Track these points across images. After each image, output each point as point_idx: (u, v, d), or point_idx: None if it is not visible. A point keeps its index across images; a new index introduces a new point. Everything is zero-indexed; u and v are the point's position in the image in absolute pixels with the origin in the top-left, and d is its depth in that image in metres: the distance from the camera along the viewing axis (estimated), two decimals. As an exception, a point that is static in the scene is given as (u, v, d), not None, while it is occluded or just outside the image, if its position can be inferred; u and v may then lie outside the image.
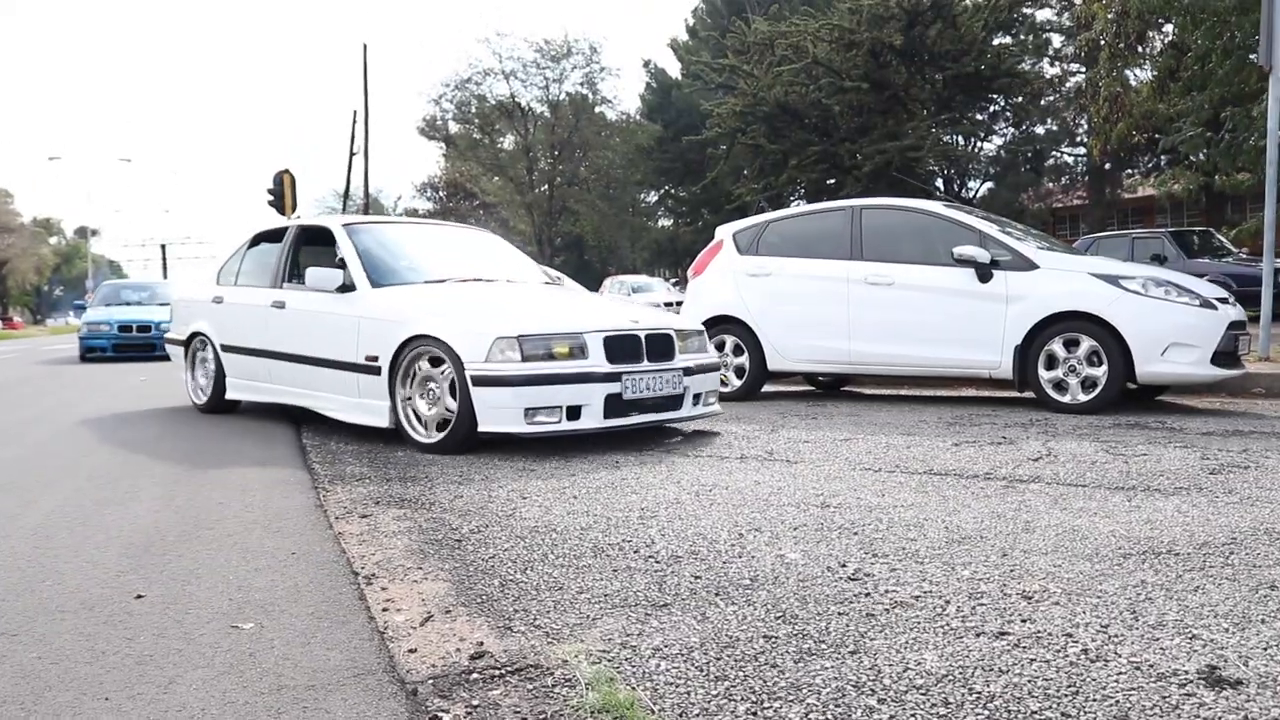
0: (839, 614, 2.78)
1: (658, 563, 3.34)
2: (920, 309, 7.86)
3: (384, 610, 2.90)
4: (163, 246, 70.15)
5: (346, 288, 6.75)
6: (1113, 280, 7.19)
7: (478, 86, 51.17)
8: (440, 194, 62.33)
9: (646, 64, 51.47)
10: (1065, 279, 7.34)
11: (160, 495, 4.73)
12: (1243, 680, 2.27)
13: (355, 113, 26.71)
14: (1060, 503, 4.22)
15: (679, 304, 29.40)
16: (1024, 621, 2.70)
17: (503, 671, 2.41)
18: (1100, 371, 7.13)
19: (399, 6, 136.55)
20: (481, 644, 2.59)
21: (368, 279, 6.74)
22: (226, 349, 8.05)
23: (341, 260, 6.97)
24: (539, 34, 77.34)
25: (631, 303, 16.75)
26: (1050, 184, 38.02)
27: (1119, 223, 35.34)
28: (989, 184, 36.09)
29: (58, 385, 12.06)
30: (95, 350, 17.54)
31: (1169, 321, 7.02)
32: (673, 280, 40.22)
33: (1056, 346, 7.29)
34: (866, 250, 8.24)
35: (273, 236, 8.07)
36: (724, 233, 9.31)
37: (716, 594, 2.98)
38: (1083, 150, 36.89)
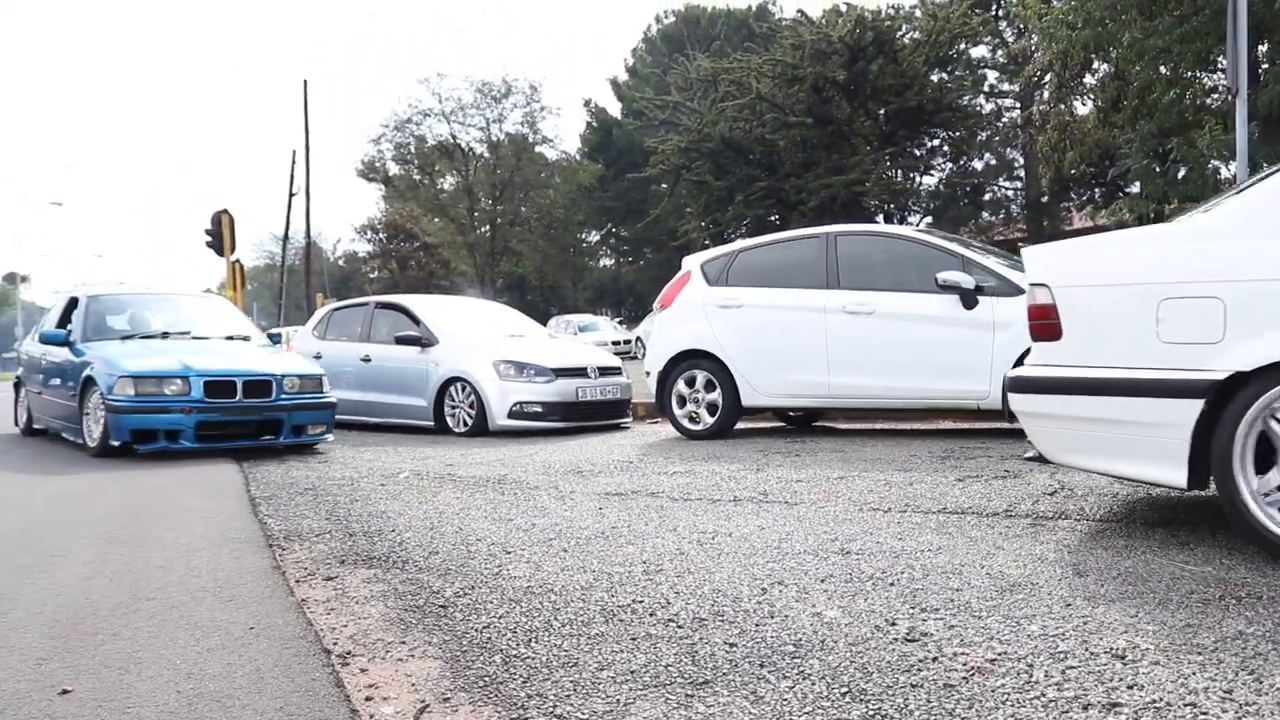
0: (912, 685, 2.35)
1: (680, 628, 2.89)
2: (903, 338, 7.51)
3: (368, 700, 2.41)
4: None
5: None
6: (1104, 304, 6.88)
7: (417, 127, 50.63)
8: (380, 235, 61.46)
9: (587, 103, 51.36)
10: (1054, 304, 7.02)
11: (91, 559, 4.16)
12: None
13: (294, 152, 26.14)
14: (1100, 540, 3.84)
15: (625, 342, 29.16)
16: (1130, 688, 2.29)
17: (528, 779, 1.94)
18: (1095, 399, 6.80)
19: (338, 47, 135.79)
20: (494, 741, 2.12)
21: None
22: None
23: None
24: (478, 74, 77.03)
25: (578, 342, 16.31)
26: (989, 217, 38.30)
27: (1056, 255, 35.49)
28: (928, 218, 36.27)
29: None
30: (151, 433, 7.95)
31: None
32: (618, 319, 39.84)
33: (1048, 374, 6.95)
34: (843, 278, 7.88)
35: None
36: (692, 263, 8.92)
37: (761, 665, 2.53)
38: (1020, 184, 37.31)
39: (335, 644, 2.86)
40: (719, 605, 3.09)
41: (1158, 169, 17.47)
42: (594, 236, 55.36)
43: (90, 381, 8.22)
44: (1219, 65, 17.73)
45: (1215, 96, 18.06)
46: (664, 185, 37.12)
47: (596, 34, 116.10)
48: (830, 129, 28.54)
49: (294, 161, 26.73)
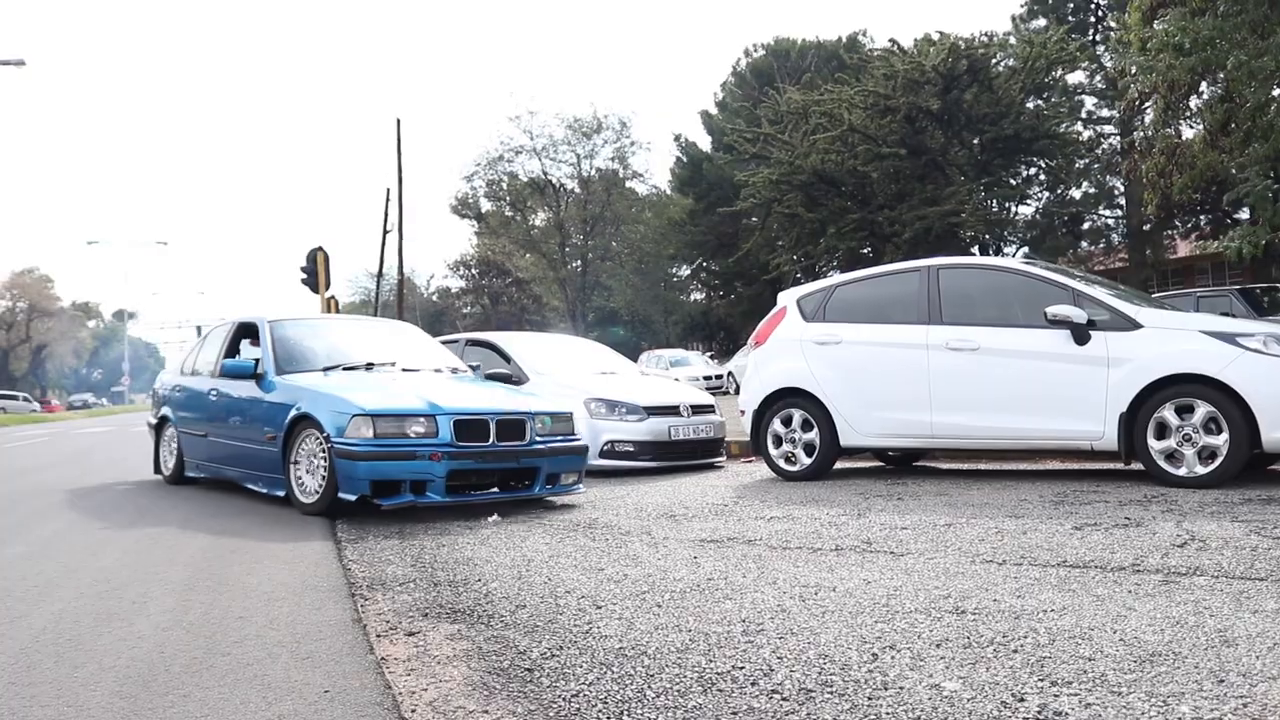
0: (1052, 780, 2.08)
1: (785, 700, 2.64)
2: (1010, 376, 7.16)
3: (446, 781, 2.21)
4: (198, 328, 70.31)
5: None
6: (1229, 338, 6.47)
7: (509, 164, 51.33)
8: (473, 271, 62.26)
9: (677, 138, 51.46)
10: (1174, 338, 6.63)
11: (172, 607, 4.06)
12: None
13: (388, 190, 26.46)
14: (1245, 603, 3.49)
15: (717, 377, 28.87)
16: (1309, 789, 1.99)
17: None
18: (1220, 440, 6.38)
19: (432, 85, 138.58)
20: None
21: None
22: None
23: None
24: (569, 110, 77.82)
25: (669, 378, 16.08)
26: (1089, 247, 37.33)
27: (1158, 284, 34.49)
28: (1025, 248, 35.45)
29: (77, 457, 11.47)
30: (395, 485, 6.49)
31: (1297, 382, 6.28)
32: (709, 354, 39.59)
33: (1168, 414, 6.55)
34: (946, 313, 7.56)
35: None
36: (787, 299, 8.67)
37: (878, 749, 2.28)
38: (1120, 212, 36.32)
39: (414, 711, 2.68)
40: (826, 674, 2.84)
41: (1273, 193, 16.75)
42: (685, 270, 55.29)
43: (303, 422, 6.85)
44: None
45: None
46: (754, 219, 36.95)
47: (686, 68, 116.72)
48: (924, 159, 28.07)
49: (388, 199, 27.09)
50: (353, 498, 6.40)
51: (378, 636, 3.49)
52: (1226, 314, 15.79)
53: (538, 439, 7.00)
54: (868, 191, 29.39)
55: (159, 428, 9.66)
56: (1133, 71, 22.59)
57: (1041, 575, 4.09)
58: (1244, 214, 21.35)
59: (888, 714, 2.51)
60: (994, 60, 28.52)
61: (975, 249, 32.38)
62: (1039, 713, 2.49)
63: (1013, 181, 30.69)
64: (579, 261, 52.91)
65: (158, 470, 9.63)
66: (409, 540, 5.65)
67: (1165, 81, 18.48)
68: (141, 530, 6.44)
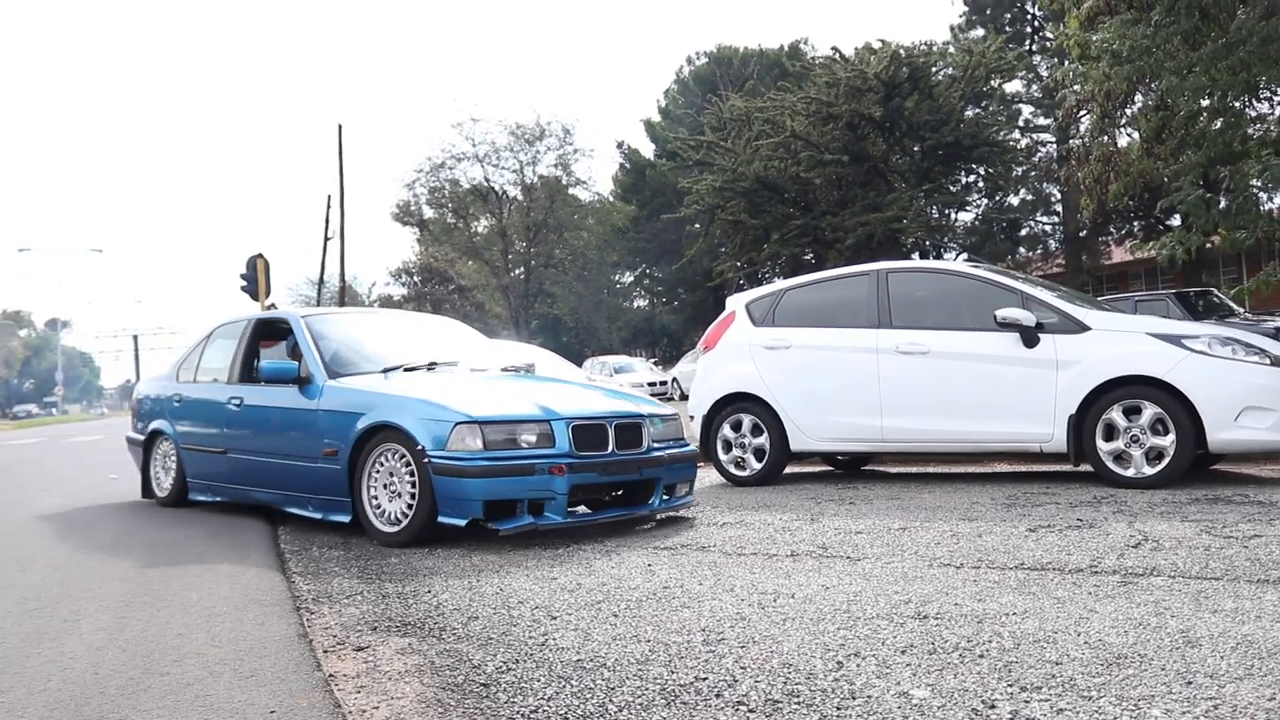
0: (1031, 790, 2.02)
1: (752, 711, 2.56)
2: (960, 379, 7.16)
3: (402, 805, 2.10)
4: (135, 338, 68.99)
5: None
6: (1175, 340, 6.53)
7: (451, 171, 50.93)
8: (415, 279, 61.71)
9: (620, 144, 51.46)
10: (1121, 340, 6.67)
11: (107, 625, 3.89)
12: None
13: (329, 197, 26.03)
14: (1204, 602, 3.48)
15: (661, 383, 28.84)
16: (1290, 794, 1.95)
17: None
18: (1167, 441, 6.43)
19: (374, 91, 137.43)
20: None
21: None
22: None
23: None
24: (512, 117, 77.44)
25: (614, 384, 16.00)
26: (1026, 252, 37.83)
27: (1094, 289, 35.06)
28: (965, 254, 35.84)
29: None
30: (510, 505, 5.46)
31: (1241, 383, 6.35)
32: (653, 360, 39.57)
33: (1116, 415, 6.59)
34: (895, 317, 7.55)
35: None
36: (736, 303, 8.61)
37: (851, 762, 2.21)
38: (1057, 218, 36.87)
39: (366, 731, 2.56)
40: (792, 683, 2.77)
41: (1207, 200, 17.06)
42: (628, 277, 55.26)
43: (380, 434, 5.71)
44: (1265, 95, 17.38)
45: (1260, 126, 17.70)
46: (698, 225, 36.97)
47: (629, 76, 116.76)
48: (866, 166, 28.25)
49: (329, 205, 26.69)
50: (460, 522, 5.33)
51: (325, 652, 3.36)
52: (1164, 317, 16.08)
53: (655, 445, 6.13)
54: (810, 198, 29.50)
55: (148, 444, 8.22)
56: (1071, 78, 22.95)
57: (1000, 578, 4.05)
58: (1176, 220, 21.74)
59: (858, 724, 2.44)
60: (934, 69, 28.78)
61: (916, 255, 32.68)
62: (1011, 719, 2.43)
63: (953, 188, 30.97)
64: (522, 269, 52.64)
65: (147, 493, 8.26)
66: (354, 551, 5.50)
67: (1102, 90, 18.77)
68: (72, 544, 6.21)
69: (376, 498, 5.73)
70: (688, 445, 6.48)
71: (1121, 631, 3.16)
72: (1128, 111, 20.27)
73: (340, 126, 26.50)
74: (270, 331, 7.75)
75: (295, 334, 6.89)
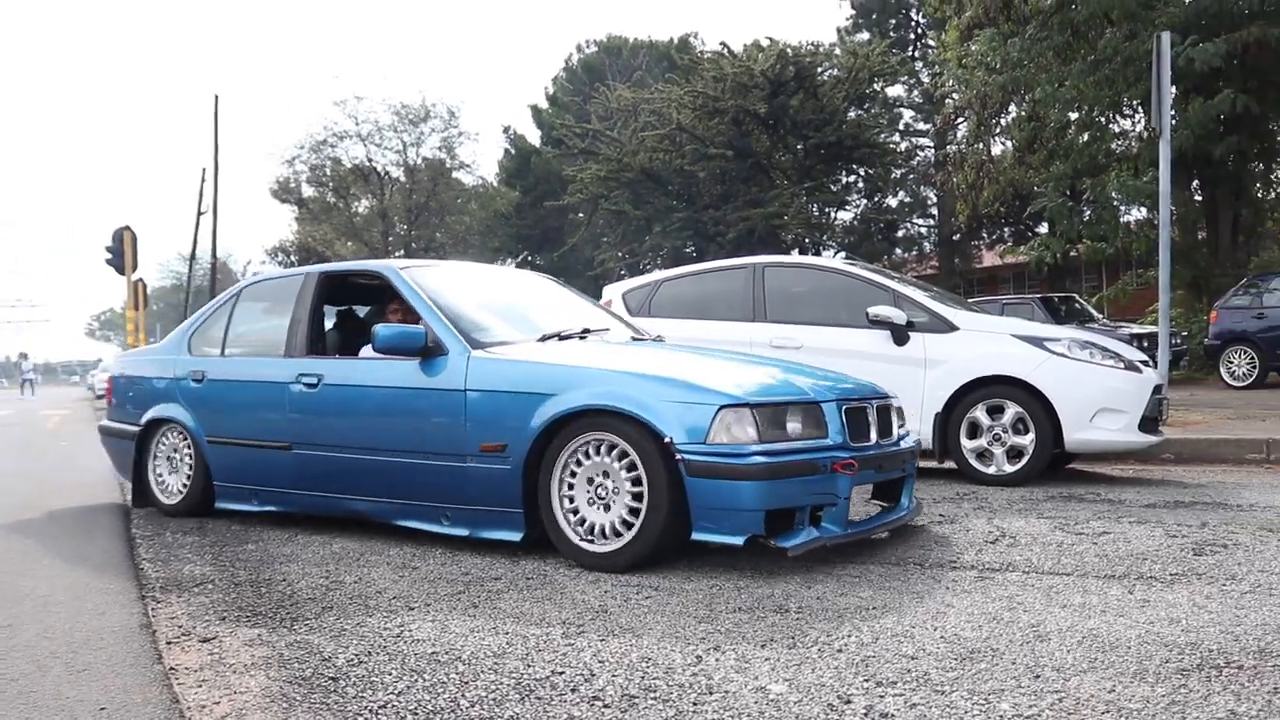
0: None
1: (607, 707, 2.52)
2: (832, 374, 7.24)
3: (234, 807, 2.00)
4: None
5: None
6: (1037, 342, 6.72)
7: (333, 149, 49.75)
8: (292, 258, 60.21)
9: (506, 130, 50.92)
10: (987, 341, 6.84)
11: (-67, 613, 3.66)
12: None
13: (204, 170, 25.22)
14: (1055, 598, 3.56)
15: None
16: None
17: None
18: (1027, 440, 6.61)
19: (254, 64, 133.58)
20: None
21: None
22: None
23: None
24: (397, 97, 76.05)
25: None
26: (903, 253, 38.74)
27: (966, 291, 36.11)
28: (844, 253, 36.54)
29: None
30: (789, 514, 4.15)
31: (1097, 385, 6.57)
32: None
33: (979, 414, 6.75)
34: (770, 311, 7.61)
35: None
36: (613, 293, 8.58)
37: (704, 758, 2.18)
38: (933, 221, 37.87)
39: (202, 727, 2.44)
40: (650, 678, 2.73)
41: (1070, 209, 17.73)
42: (510, 263, 54.89)
43: (580, 421, 4.31)
44: (1127, 112, 18.11)
45: (1124, 141, 18.44)
46: (581, 214, 36.88)
47: (517, 61, 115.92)
48: (749, 162, 28.53)
49: (203, 179, 25.87)
50: (734, 540, 3.99)
51: (168, 644, 3.21)
52: (1029, 320, 16.62)
53: (902, 434, 5.05)
54: (694, 191, 29.69)
55: (145, 437, 6.29)
56: (949, 86, 23.58)
57: (861, 573, 4.09)
58: (1044, 228, 22.52)
59: (713, 719, 2.42)
60: (819, 69, 29.21)
61: (796, 251, 33.17)
62: (865, 714, 2.44)
63: (834, 187, 31.48)
64: (402, 251, 51.77)
65: (142, 499, 6.33)
66: (210, 536, 5.30)
67: (978, 98, 19.33)
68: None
69: (579, 509, 4.32)
70: (908, 435, 5.21)
71: (976, 626, 3.21)
72: (1002, 121, 20.92)
73: (216, 97, 25.71)
74: (344, 289, 6.36)
75: (402, 292, 5.28)
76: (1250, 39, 13.90)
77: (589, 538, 4.28)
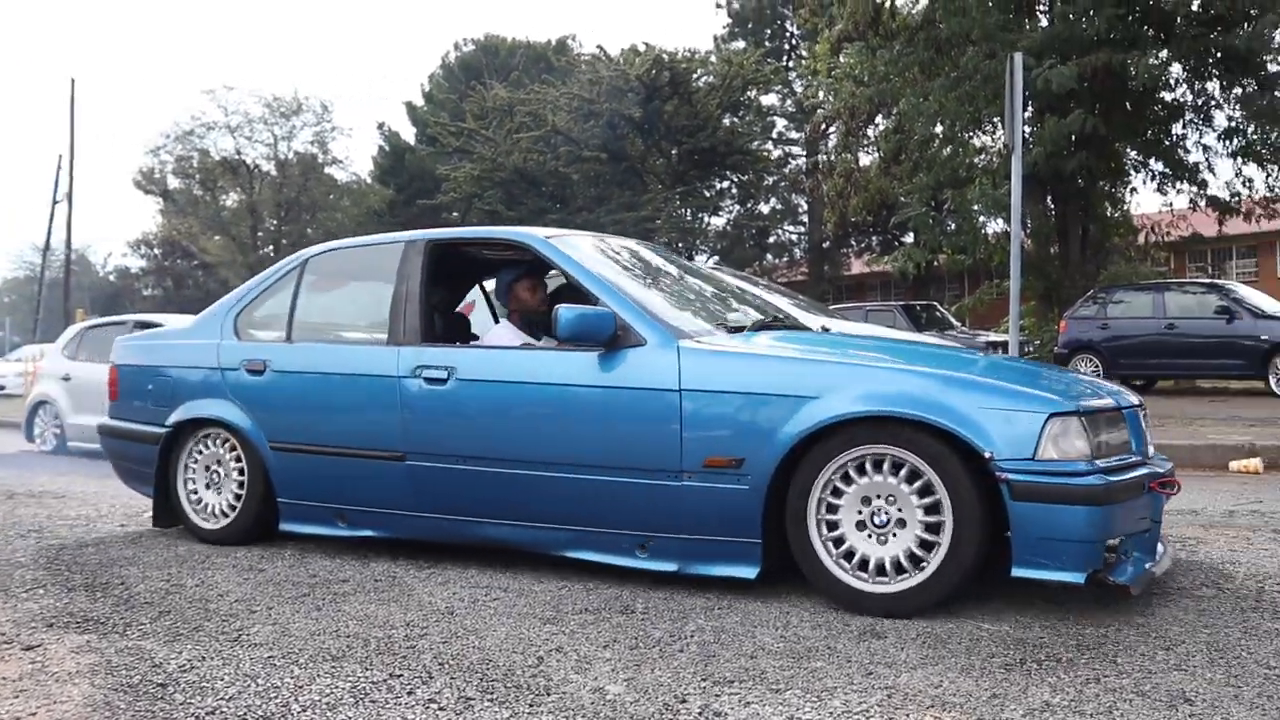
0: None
1: (442, 710, 2.51)
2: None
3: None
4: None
5: None
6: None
7: (200, 140, 48.25)
8: (156, 251, 58.15)
9: (381, 126, 50.18)
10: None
11: None
12: None
13: (60, 157, 24.19)
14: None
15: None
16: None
17: None
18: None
19: (116, 48, 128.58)
20: None
21: None
22: None
23: None
24: (268, 89, 74.18)
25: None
26: (774, 260, 39.41)
27: (834, 298, 36.94)
28: (715, 258, 37.00)
29: None
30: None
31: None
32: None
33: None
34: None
35: None
36: (477, 295, 8.50)
37: (534, 759, 2.19)
38: (803, 228, 38.62)
39: (16, 738, 2.35)
40: (489, 679, 2.73)
41: (933, 220, 18.31)
42: (383, 262, 53.98)
43: (848, 431, 3.50)
44: (987, 127, 18.78)
45: (984, 155, 19.10)
46: (456, 214, 36.54)
47: (395, 58, 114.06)
48: (624, 165, 28.71)
49: (59, 166, 24.83)
50: (1077, 578, 3.26)
51: (-13, 651, 3.07)
52: (891, 328, 17.11)
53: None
54: (568, 193, 29.76)
55: (172, 442, 5.06)
56: (820, 97, 24.12)
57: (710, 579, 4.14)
58: (909, 237, 23.22)
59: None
60: (695, 75, 29.56)
61: (669, 256, 33.39)
62: (700, 713, 2.48)
63: (707, 193, 31.90)
64: (272, 247, 50.50)
65: (165, 518, 5.12)
66: (48, 539, 5.08)
67: (847, 109, 19.81)
68: None
69: (841, 536, 3.55)
70: None
71: (816, 626, 3.28)
72: (870, 132, 21.48)
73: (73, 81, 24.71)
74: (455, 265, 5.21)
75: (567, 269, 4.29)
76: (1099, 64, 14.55)
77: (860, 574, 3.49)
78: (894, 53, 17.63)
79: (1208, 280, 19.47)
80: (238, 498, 4.84)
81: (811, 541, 3.54)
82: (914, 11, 18.13)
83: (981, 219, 18.16)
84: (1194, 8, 15.51)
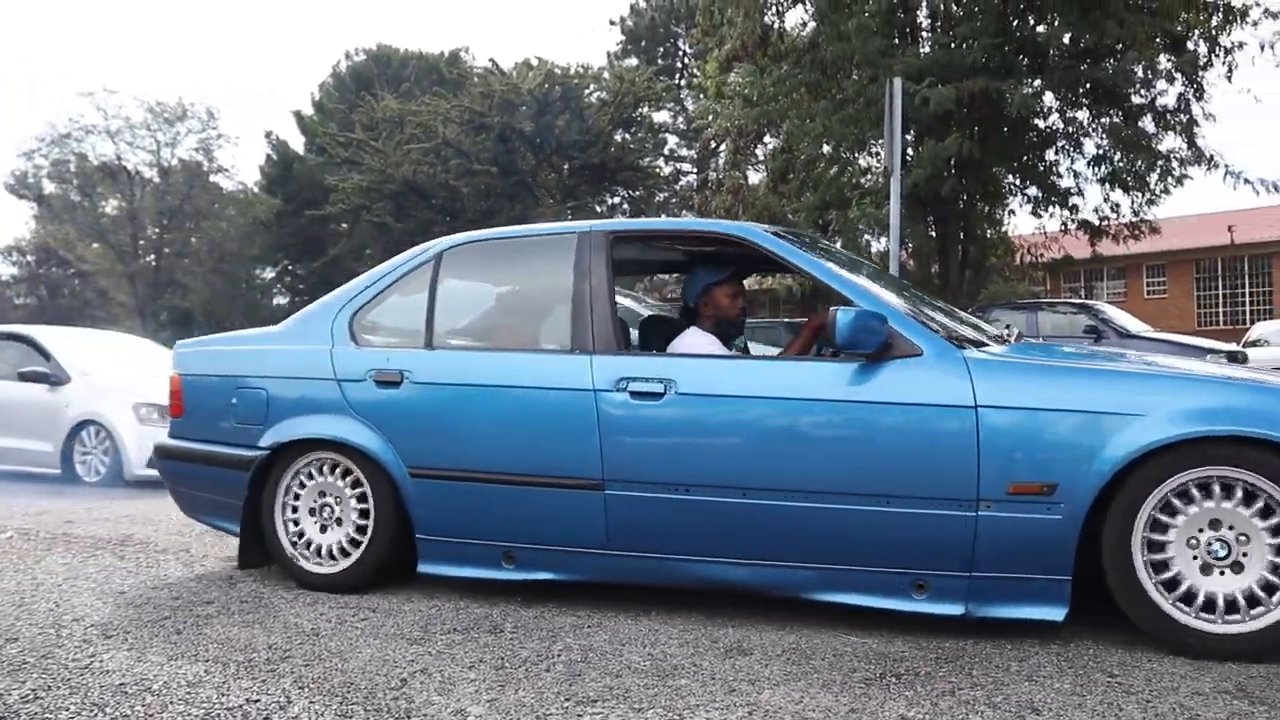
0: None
1: (298, 734, 2.47)
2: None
3: None
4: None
5: None
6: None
7: (78, 144, 46.60)
8: (29, 259, 56.00)
9: (269, 135, 49.12)
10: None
11: None
12: None
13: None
14: (759, 613, 3.72)
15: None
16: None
17: None
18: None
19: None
20: None
21: None
22: None
23: None
24: (151, 94, 72.01)
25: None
26: (665, 276, 39.72)
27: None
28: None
29: None
30: None
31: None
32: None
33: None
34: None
35: None
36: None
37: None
38: (696, 245, 39.02)
39: None
40: (348, 703, 2.69)
41: (822, 235, 18.65)
42: (269, 273, 52.82)
43: (1173, 451, 3.15)
44: (872, 149, 19.23)
45: (869, 176, 19.55)
46: (344, 225, 36.04)
47: (284, 66, 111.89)
48: (514, 179, 28.68)
49: (-83, 170, 23.78)
50: None
51: None
52: (775, 344, 17.38)
53: None
54: (458, 206, 29.58)
55: (267, 468, 4.29)
56: (709, 117, 24.41)
57: (581, 589, 4.13)
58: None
59: (406, 744, 2.41)
60: (587, 91, 29.73)
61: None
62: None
63: (598, 208, 32.04)
64: (153, 256, 49.03)
65: (254, 557, 4.43)
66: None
67: (735, 128, 20.09)
68: None
69: (1181, 574, 3.17)
70: None
71: (682, 643, 3.31)
72: (758, 151, 21.81)
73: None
74: (634, 258, 4.82)
75: (802, 267, 3.82)
76: (976, 89, 15.00)
77: (1207, 616, 3.11)
78: (781, 73, 17.93)
79: (1079, 301, 20.17)
80: (361, 533, 4.13)
81: (1141, 578, 3.17)
82: (801, 35, 18.48)
83: (866, 238, 18.56)
84: (1065, 40, 16.09)
